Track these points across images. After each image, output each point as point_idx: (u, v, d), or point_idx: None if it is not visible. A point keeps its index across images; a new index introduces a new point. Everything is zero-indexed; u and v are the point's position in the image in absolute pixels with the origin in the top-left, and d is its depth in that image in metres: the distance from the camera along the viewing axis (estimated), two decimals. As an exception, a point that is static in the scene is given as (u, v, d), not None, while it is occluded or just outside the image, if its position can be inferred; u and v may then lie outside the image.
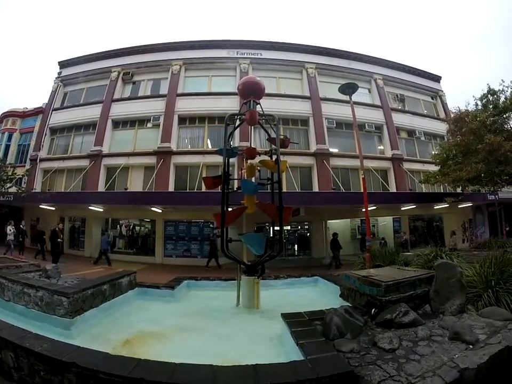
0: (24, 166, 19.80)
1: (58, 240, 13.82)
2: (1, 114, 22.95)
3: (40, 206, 17.06)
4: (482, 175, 13.53)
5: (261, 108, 6.27)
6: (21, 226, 15.97)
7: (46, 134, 20.65)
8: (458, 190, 16.76)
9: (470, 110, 14.07)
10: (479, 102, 14.30)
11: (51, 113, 21.15)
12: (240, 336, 4.04)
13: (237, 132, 8.07)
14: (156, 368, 2.42)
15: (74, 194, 17.42)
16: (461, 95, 17.64)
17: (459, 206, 18.14)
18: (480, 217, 20.60)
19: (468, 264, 5.22)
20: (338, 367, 2.46)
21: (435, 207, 18.24)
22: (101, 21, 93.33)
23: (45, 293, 4.44)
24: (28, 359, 2.77)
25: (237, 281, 5.79)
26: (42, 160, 20.13)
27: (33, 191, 17.11)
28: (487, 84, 14.04)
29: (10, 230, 14.53)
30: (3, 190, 13.22)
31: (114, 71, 20.76)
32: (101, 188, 17.92)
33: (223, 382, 2.23)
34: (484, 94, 14.10)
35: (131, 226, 18.45)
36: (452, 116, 15.40)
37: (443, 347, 2.91)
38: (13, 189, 14.75)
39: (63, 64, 22.51)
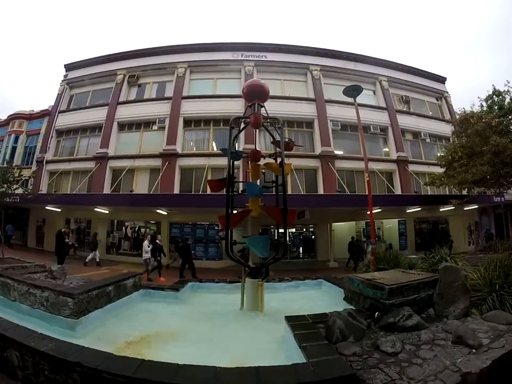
0: (31, 168, 20.11)
1: (66, 241, 13.89)
2: (8, 117, 23.20)
3: (46, 208, 17.17)
4: (488, 177, 13.40)
5: (266, 110, 6.30)
6: (158, 241, 12.99)
7: (52, 136, 20.84)
8: (464, 192, 16.61)
9: (475, 111, 13.93)
10: (484, 103, 14.14)
11: (57, 115, 21.36)
12: (243, 339, 4.05)
13: (242, 134, 8.10)
14: (159, 368, 2.44)
15: (80, 196, 17.54)
16: (467, 96, 17.47)
17: (465, 208, 17.99)
18: (486, 220, 20.44)
19: (472, 267, 5.18)
20: (340, 370, 2.47)
21: (441, 210, 18.09)
22: (106, 24, 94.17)
23: (51, 294, 4.50)
24: (32, 358, 2.80)
25: (241, 284, 5.79)
26: (48, 162, 20.31)
27: (39, 192, 17.26)
28: (492, 85, 13.90)
29: (148, 247, 12.15)
30: (10, 192, 13.27)
31: (119, 74, 20.97)
32: (107, 190, 18.04)
33: (225, 384, 2.24)
34: (489, 95, 13.95)
35: (136, 228, 18.51)
36: (457, 117, 15.29)
37: (446, 351, 2.89)
38: (19, 190, 14.86)
39: (69, 67, 22.75)
